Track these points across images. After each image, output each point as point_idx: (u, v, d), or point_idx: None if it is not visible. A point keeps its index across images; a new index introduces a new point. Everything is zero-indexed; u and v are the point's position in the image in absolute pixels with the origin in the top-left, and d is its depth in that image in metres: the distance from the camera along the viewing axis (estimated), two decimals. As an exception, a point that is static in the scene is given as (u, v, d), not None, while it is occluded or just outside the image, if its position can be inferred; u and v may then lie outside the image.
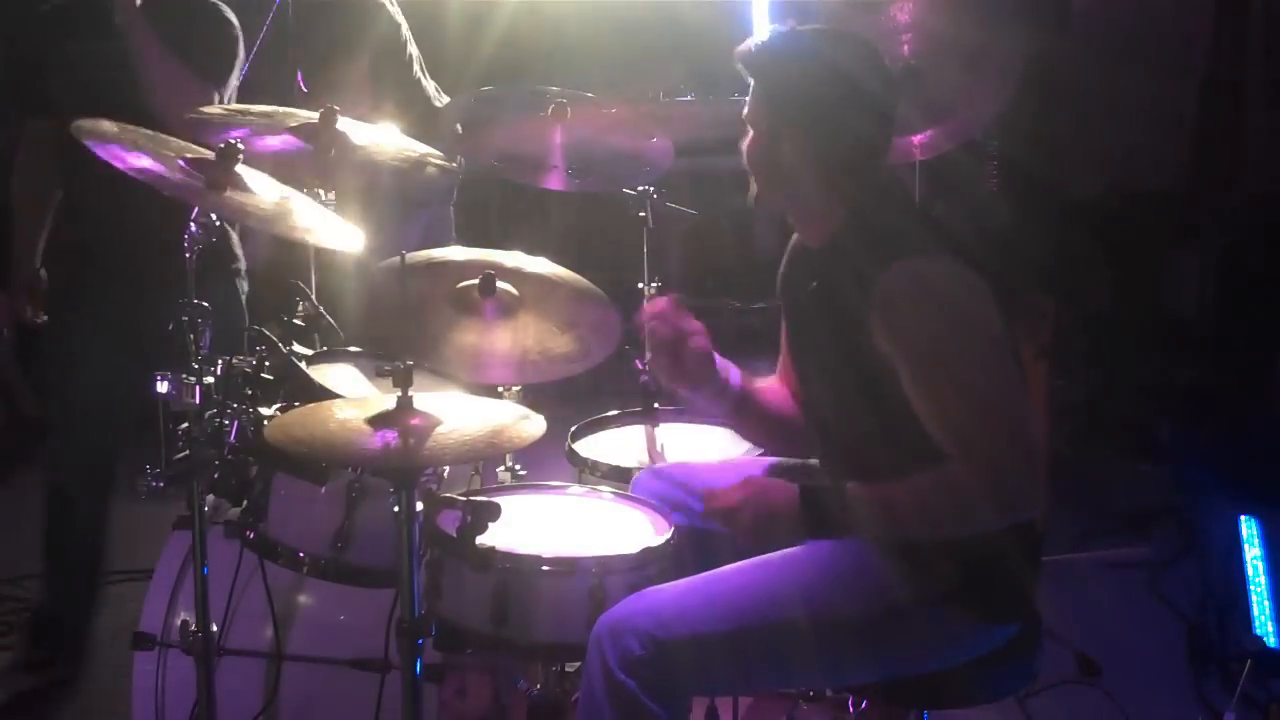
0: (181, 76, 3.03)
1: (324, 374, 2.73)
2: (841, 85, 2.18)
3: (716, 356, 2.44)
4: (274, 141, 2.68)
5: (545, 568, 2.23)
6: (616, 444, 2.95)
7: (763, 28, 6.28)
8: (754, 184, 2.29)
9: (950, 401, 2.03)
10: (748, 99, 2.26)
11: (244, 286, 3.38)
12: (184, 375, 2.32)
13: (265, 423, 2.37)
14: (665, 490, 2.51)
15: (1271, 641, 3.21)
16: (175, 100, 2.91)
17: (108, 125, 2.36)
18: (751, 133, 2.27)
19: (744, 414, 2.49)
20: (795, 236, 2.38)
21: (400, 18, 4.07)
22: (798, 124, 2.19)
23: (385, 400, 2.13)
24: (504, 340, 2.73)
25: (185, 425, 2.33)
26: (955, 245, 2.15)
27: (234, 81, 3.22)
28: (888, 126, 2.24)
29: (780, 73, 2.22)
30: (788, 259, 2.40)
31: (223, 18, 3.22)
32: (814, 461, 2.48)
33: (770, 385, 2.54)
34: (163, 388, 2.31)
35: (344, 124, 2.73)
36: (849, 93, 2.18)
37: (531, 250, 2.89)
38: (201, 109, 2.79)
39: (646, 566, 2.25)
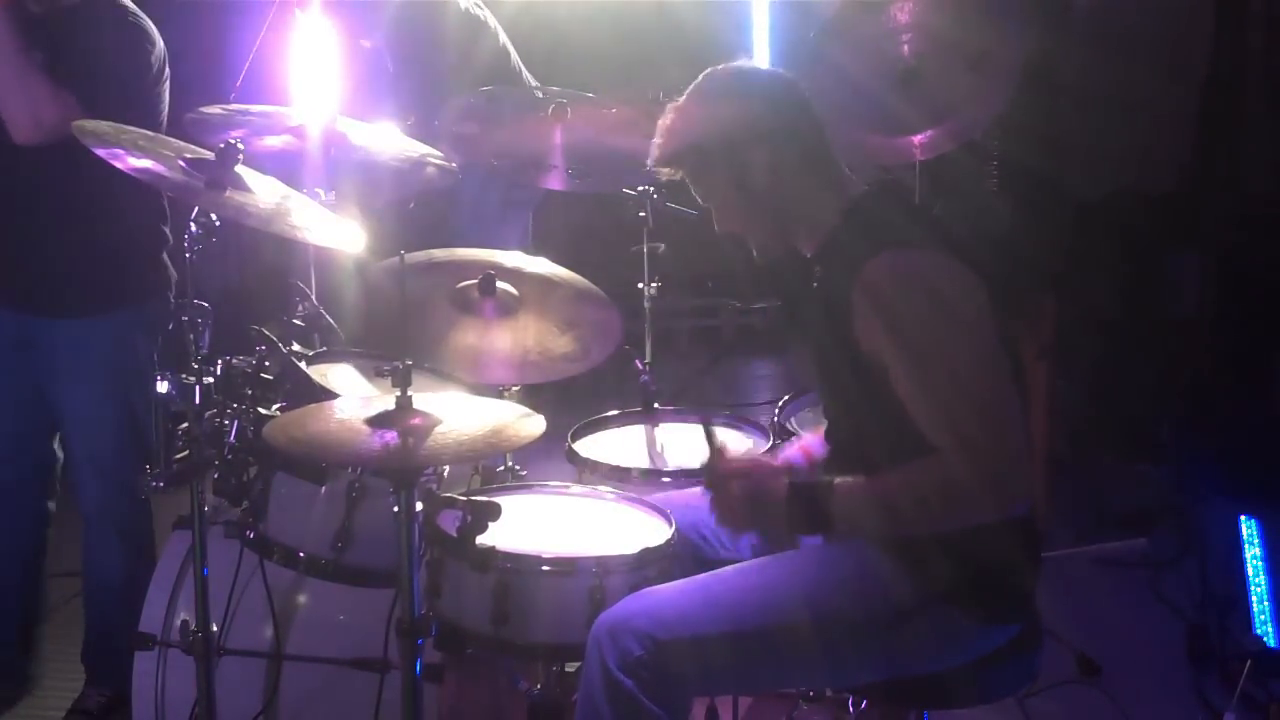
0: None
1: (324, 374, 2.74)
2: (764, 97, 2.26)
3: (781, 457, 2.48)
4: (274, 142, 2.68)
5: (545, 568, 2.23)
6: (616, 444, 2.95)
7: (762, 28, 6.31)
8: (751, 244, 2.32)
9: (935, 390, 2.03)
10: (692, 187, 2.30)
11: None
12: (184, 375, 2.32)
13: (265, 423, 2.37)
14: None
15: (1271, 641, 3.21)
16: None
17: (107, 126, 2.36)
18: (716, 210, 2.30)
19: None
20: None
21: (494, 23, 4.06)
22: (758, 152, 2.21)
23: (385, 400, 2.13)
24: (504, 340, 2.74)
25: (185, 425, 2.33)
26: (949, 242, 2.16)
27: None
28: (813, 114, 2.28)
29: (709, 129, 2.25)
30: (790, 266, 2.40)
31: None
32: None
33: None
34: (163, 388, 2.31)
35: (344, 124, 2.74)
36: (776, 99, 2.25)
37: (531, 250, 2.90)
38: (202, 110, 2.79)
39: (646, 566, 2.25)
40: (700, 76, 2.32)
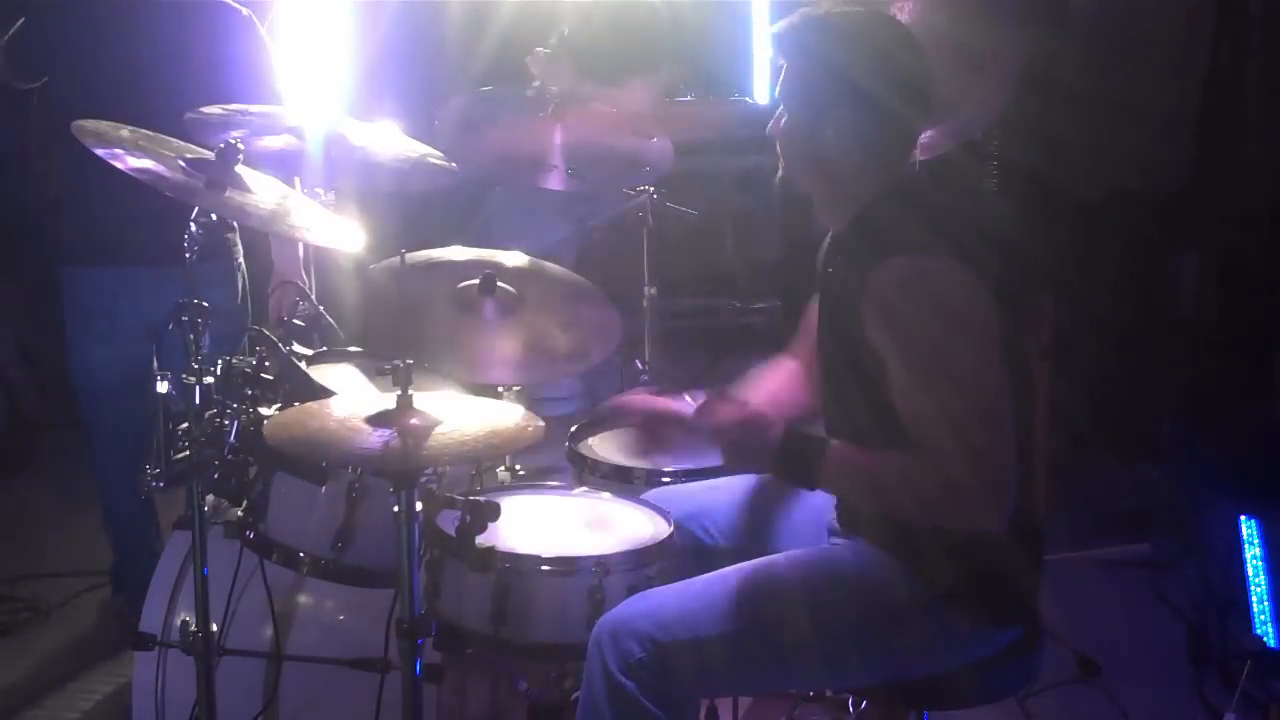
0: None
1: (324, 374, 2.73)
2: (892, 70, 2.15)
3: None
4: (274, 142, 2.68)
5: (545, 568, 2.23)
6: (616, 444, 2.94)
7: (762, 28, 6.31)
8: (783, 164, 2.26)
9: (933, 393, 2.01)
10: (783, 78, 2.20)
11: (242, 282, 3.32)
12: (184, 375, 2.32)
13: (265, 423, 2.37)
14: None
15: (1271, 641, 3.21)
16: None
17: (108, 126, 2.36)
18: (786, 113, 2.21)
19: None
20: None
21: None
22: (844, 109, 2.14)
23: (385, 400, 2.13)
24: (504, 340, 2.74)
25: (185, 425, 2.33)
26: (961, 246, 2.13)
27: None
28: (926, 113, 2.22)
29: (830, 55, 2.15)
30: (827, 241, 2.37)
31: None
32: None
33: (783, 379, 2.51)
34: (163, 388, 2.31)
35: (345, 125, 2.74)
36: (898, 79, 2.16)
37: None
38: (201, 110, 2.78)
39: (646, 567, 2.25)
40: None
